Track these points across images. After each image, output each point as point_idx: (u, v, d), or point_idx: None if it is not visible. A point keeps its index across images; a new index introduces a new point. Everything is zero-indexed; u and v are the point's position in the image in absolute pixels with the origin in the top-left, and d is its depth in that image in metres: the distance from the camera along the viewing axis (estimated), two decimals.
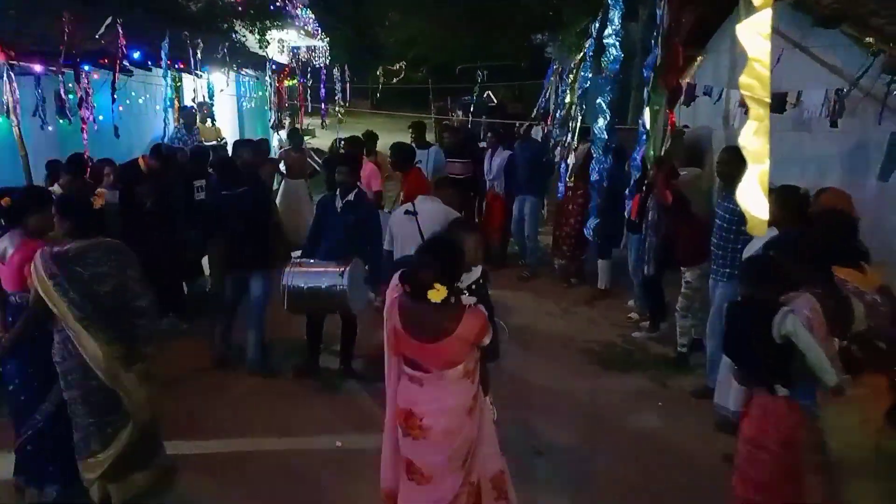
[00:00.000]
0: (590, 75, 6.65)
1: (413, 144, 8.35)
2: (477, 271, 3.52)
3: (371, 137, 8.80)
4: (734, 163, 4.87)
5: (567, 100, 7.66)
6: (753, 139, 0.96)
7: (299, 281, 5.08)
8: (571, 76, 7.35)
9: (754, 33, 0.93)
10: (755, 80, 0.95)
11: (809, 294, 3.28)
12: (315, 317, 5.64)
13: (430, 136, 12.31)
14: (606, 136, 5.82)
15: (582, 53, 6.50)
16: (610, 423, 5.00)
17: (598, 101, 5.73)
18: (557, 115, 8.10)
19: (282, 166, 9.13)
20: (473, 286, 3.44)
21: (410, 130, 9.22)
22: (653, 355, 6.15)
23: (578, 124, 6.98)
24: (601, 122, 5.81)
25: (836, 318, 3.26)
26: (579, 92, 6.76)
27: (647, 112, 5.14)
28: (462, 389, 3.03)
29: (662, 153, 5.74)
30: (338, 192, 5.45)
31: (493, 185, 8.86)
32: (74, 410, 3.72)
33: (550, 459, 4.51)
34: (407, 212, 4.84)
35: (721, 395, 4.68)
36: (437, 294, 2.87)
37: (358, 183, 5.72)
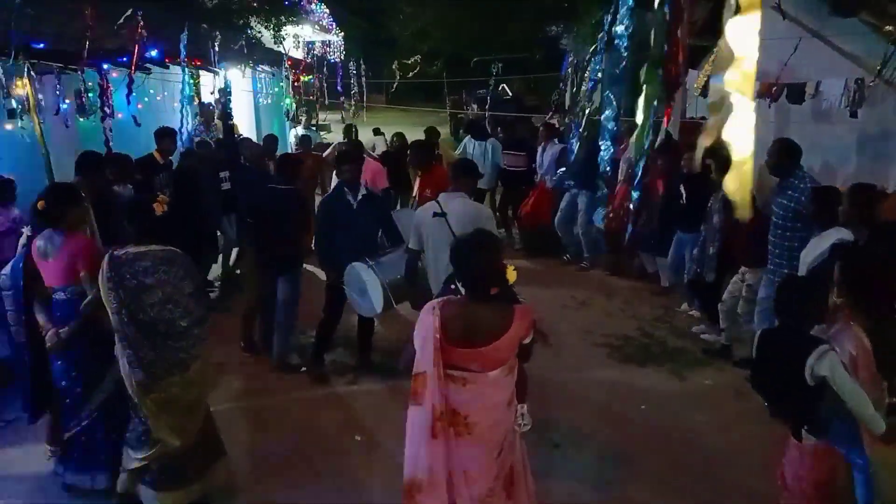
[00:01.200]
0: (601, 68, 6.61)
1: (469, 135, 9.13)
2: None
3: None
4: (783, 153, 4.88)
5: (583, 90, 7.63)
6: (738, 132, 0.99)
7: (392, 273, 5.02)
8: (587, 67, 7.33)
9: (744, 32, 0.95)
10: (741, 77, 0.98)
11: (858, 325, 2.97)
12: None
13: (444, 130, 12.50)
14: (614, 128, 5.76)
15: (594, 46, 6.47)
16: (632, 417, 5.01)
17: (607, 92, 5.70)
18: (576, 108, 8.08)
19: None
20: None
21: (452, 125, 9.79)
22: (671, 349, 6.13)
23: (586, 117, 6.95)
24: (608, 113, 5.77)
25: (888, 353, 2.90)
26: (590, 84, 6.73)
27: (640, 101, 5.12)
28: (504, 385, 2.99)
29: (655, 146, 5.65)
30: (346, 189, 5.40)
31: (543, 179, 8.96)
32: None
33: (568, 452, 4.54)
34: (435, 213, 4.52)
35: None
36: (512, 274, 2.98)
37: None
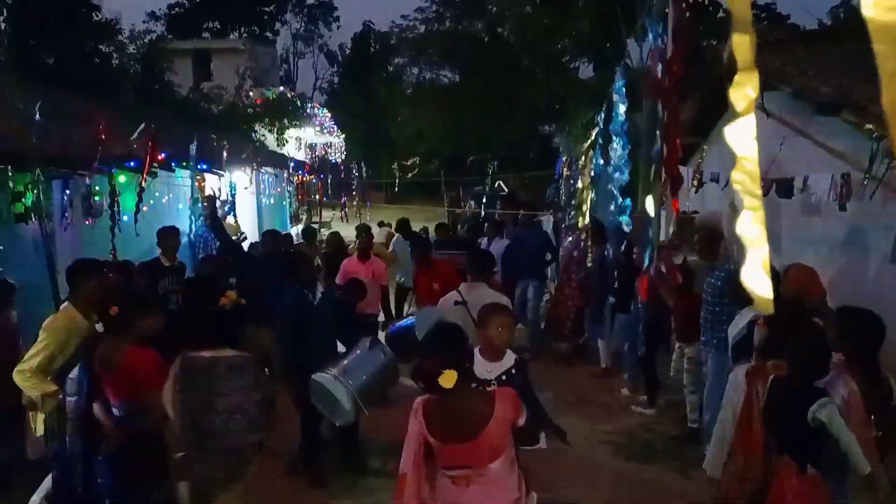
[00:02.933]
0: (601, 162, 6.87)
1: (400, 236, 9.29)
2: (508, 360, 3.46)
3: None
4: (710, 238, 5.64)
5: (579, 185, 7.88)
6: (750, 227, 1.05)
7: (360, 375, 4.71)
8: (581, 161, 7.60)
9: (741, 135, 1.03)
10: (746, 175, 1.05)
11: (848, 375, 3.36)
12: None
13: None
14: (619, 220, 5.95)
15: (590, 141, 6.74)
16: None
17: (609, 186, 5.91)
18: (572, 202, 8.34)
19: None
20: (504, 376, 3.38)
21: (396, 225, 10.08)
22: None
23: (588, 208, 7.18)
24: (612, 207, 5.97)
25: (875, 400, 3.30)
26: (592, 175, 6.99)
27: (649, 199, 5.29)
28: (510, 481, 2.90)
29: (667, 237, 5.86)
30: (305, 290, 5.38)
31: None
32: None
33: None
34: (456, 302, 4.74)
35: (712, 466, 4.77)
36: (448, 379, 2.70)
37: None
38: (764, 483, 3.71)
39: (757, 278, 1.08)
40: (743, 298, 4.50)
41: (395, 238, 10.14)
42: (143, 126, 7.73)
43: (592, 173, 6.30)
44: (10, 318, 5.64)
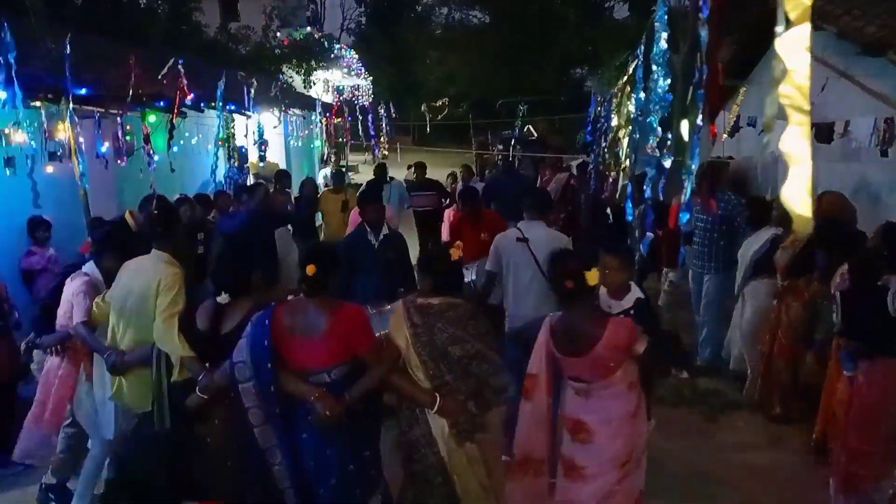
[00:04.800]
0: (641, 97, 6.64)
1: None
2: (630, 300, 3.72)
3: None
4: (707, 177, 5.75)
5: (614, 123, 7.71)
6: (795, 143, 1.01)
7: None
8: (616, 100, 7.41)
9: (793, 47, 0.97)
10: (795, 90, 1.00)
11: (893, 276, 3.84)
12: None
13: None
14: (659, 155, 5.83)
15: (627, 77, 6.53)
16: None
17: (650, 119, 5.73)
18: (604, 142, 8.19)
19: None
20: (622, 314, 3.57)
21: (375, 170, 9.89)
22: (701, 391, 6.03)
23: (626, 146, 7.02)
24: (653, 141, 5.82)
25: None
26: (634, 112, 6.78)
27: (685, 123, 5.18)
28: (625, 399, 3.23)
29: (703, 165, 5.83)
30: (368, 230, 5.27)
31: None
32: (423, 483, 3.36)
33: None
34: (518, 239, 4.76)
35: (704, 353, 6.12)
36: (593, 276, 3.15)
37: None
38: (794, 384, 4.84)
39: (797, 196, 1.04)
40: (757, 222, 5.46)
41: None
42: (171, 62, 7.72)
43: (632, 107, 6.12)
44: (48, 255, 5.80)
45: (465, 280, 5.37)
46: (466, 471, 3.31)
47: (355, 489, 3.28)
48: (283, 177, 9.00)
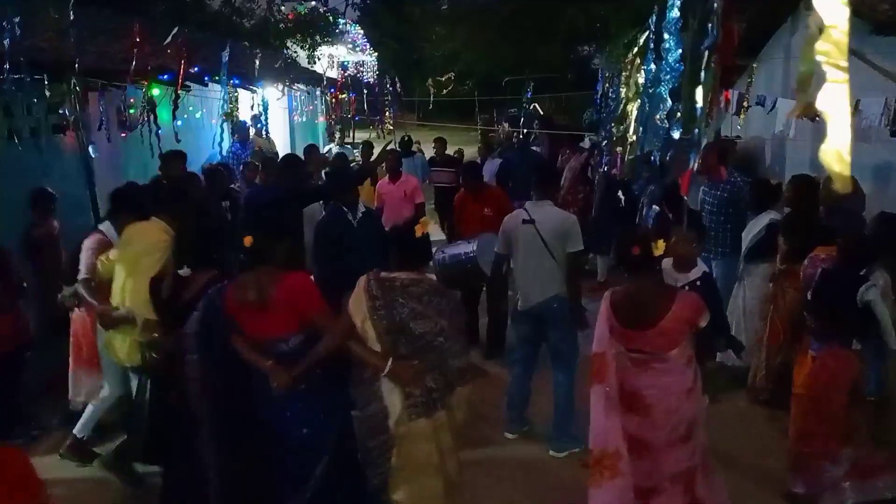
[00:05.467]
0: (652, 68, 6.52)
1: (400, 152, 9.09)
2: (696, 273, 3.86)
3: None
4: (717, 157, 5.90)
5: (623, 94, 7.61)
6: (834, 101, 0.98)
7: (444, 256, 5.58)
8: (625, 73, 7.30)
9: (832, 1, 0.95)
10: (832, 46, 0.97)
11: (882, 269, 3.97)
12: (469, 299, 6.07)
13: (471, 149, 12.82)
14: (668, 125, 5.76)
15: (637, 48, 6.42)
16: None
17: (660, 89, 5.66)
18: (611, 118, 8.10)
19: None
20: (687, 287, 3.72)
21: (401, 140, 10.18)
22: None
23: (634, 120, 6.92)
24: (662, 112, 5.75)
25: None
26: (644, 84, 6.67)
27: (699, 91, 5.12)
28: (683, 374, 3.28)
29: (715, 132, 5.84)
30: (345, 209, 5.20)
31: None
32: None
33: None
34: (524, 220, 4.68)
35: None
36: (659, 247, 3.20)
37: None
38: (786, 365, 4.65)
39: (835, 155, 1.02)
40: (759, 206, 5.39)
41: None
42: (176, 30, 7.66)
43: (641, 79, 6.05)
44: (52, 227, 5.79)
45: (467, 251, 5.51)
46: (412, 446, 3.25)
47: (309, 453, 3.36)
48: (313, 151, 9.11)
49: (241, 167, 8.31)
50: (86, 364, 4.77)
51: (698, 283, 3.87)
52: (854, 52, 5.11)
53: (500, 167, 9.06)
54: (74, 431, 4.55)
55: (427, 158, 10.73)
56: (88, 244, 4.44)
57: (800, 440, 3.98)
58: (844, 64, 1.01)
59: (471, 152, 14.42)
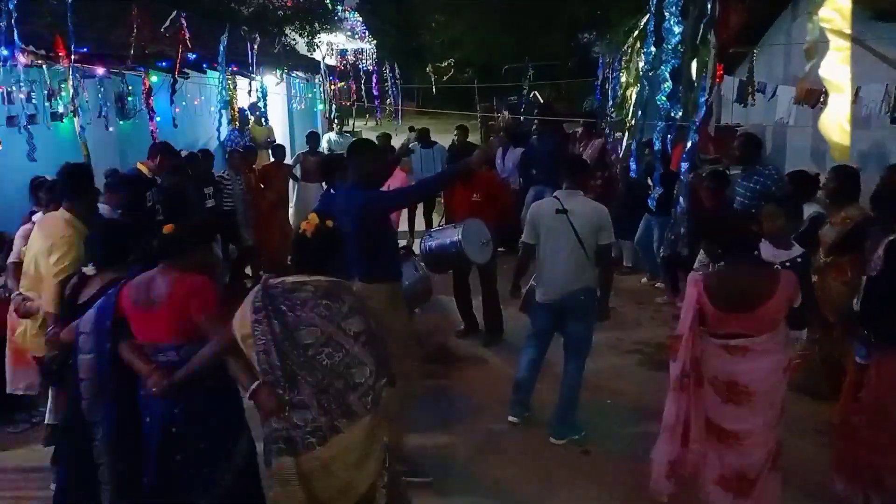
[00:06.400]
0: (652, 50, 6.51)
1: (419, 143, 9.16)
2: (796, 251, 3.90)
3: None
4: (750, 146, 5.79)
5: (623, 79, 7.61)
6: (836, 69, 0.98)
7: (430, 243, 5.66)
8: (625, 59, 7.29)
9: None
10: (836, 13, 0.97)
11: None
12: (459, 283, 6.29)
13: (473, 136, 12.69)
14: (669, 106, 5.76)
15: (638, 31, 6.42)
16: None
17: (660, 70, 5.65)
18: (612, 103, 8.11)
19: (297, 170, 9.11)
20: (788, 263, 3.74)
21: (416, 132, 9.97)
22: None
23: (633, 105, 6.91)
24: (661, 94, 5.74)
25: None
26: (645, 67, 6.65)
27: (694, 64, 5.11)
28: (781, 355, 3.25)
29: (708, 105, 5.82)
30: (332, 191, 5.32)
31: (507, 182, 9.01)
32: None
33: (597, 458, 4.47)
34: (557, 210, 4.52)
35: None
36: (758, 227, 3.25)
37: None
38: (836, 358, 4.54)
39: (836, 125, 1.01)
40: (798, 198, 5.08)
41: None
42: (174, 14, 7.62)
43: (641, 63, 6.04)
44: None
45: (453, 239, 5.53)
46: (277, 489, 2.81)
47: (204, 465, 3.10)
48: (312, 138, 9.30)
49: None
50: (19, 355, 4.55)
51: (799, 259, 3.82)
52: (855, 40, 5.11)
53: (522, 155, 9.09)
54: (46, 421, 4.50)
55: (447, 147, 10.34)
56: (20, 232, 4.59)
57: (859, 447, 3.71)
58: (847, 31, 1.01)
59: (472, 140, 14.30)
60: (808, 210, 5.08)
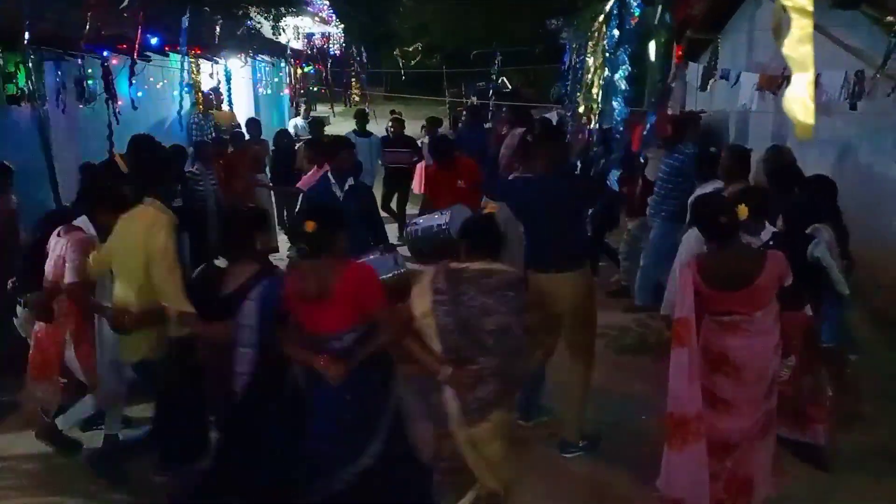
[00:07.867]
0: (615, 34, 6.52)
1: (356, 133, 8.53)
2: (766, 234, 4.00)
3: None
4: (675, 130, 6.16)
5: (590, 62, 7.58)
6: (797, 47, 0.98)
7: (416, 228, 5.59)
8: (591, 43, 7.31)
9: None
10: None
11: (826, 225, 4.13)
12: None
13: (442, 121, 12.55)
14: (627, 87, 5.79)
15: (604, 15, 6.41)
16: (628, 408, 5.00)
17: (619, 52, 5.67)
18: (577, 89, 8.09)
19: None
20: (770, 242, 3.89)
21: (355, 119, 9.30)
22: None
23: (597, 89, 6.91)
24: (620, 74, 5.77)
25: (841, 242, 4.24)
26: (609, 49, 6.66)
27: (652, 45, 5.13)
28: (773, 332, 3.38)
29: (666, 87, 5.94)
30: (332, 181, 5.10)
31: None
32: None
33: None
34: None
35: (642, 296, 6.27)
36: (743, 211, 3.29)
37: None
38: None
39: (799, 102, 1.01)
40: (704, 175, 5.48)
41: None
42: None
43: (606, 45, 6.05)
44: (9, 201, 5.62)
45: (440, 223, 5.42)
46: (483, 448, 3.20)
47: (358, 440, 3.19)
48: (253, 125, 8.83)
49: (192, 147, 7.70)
50: (44, 373, 4.16)
51: (770, 242, 3.95)
52: (816, 26, 5.20)
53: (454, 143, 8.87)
54: (57, 420, 4.26)
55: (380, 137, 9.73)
56: (72, 245, 3.87)
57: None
58: (810, 9, 1.01)
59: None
60: (710, 187, 5.37)
